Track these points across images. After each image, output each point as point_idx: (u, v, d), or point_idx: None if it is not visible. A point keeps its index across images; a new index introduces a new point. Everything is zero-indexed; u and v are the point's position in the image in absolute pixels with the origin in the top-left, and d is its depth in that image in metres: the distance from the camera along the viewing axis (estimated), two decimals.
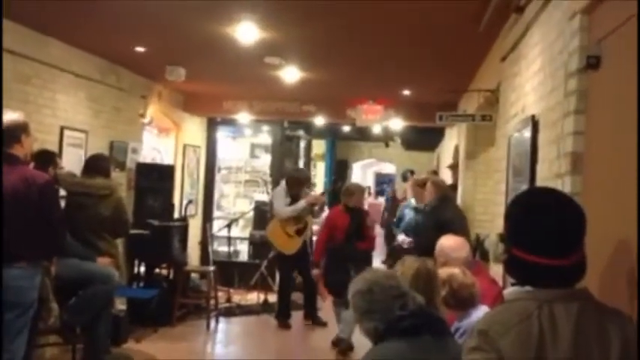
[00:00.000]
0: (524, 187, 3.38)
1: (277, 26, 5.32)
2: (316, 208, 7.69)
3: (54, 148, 5.93)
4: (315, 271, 6.89)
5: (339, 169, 17.56)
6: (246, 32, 5.35)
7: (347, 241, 6.55)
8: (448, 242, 4.02)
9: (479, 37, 4.94)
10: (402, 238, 7.37)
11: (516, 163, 3.81)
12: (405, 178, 18.21)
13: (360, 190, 7.05)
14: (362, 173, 23.33)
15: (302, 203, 7.33)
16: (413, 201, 7.61)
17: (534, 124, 3.31)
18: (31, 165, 4.35)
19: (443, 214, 6.27)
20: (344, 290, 6.13)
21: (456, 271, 3.32)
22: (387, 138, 15.08)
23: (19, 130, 3.90)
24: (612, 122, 2.28)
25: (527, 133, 3.45)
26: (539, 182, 3.15)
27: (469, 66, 6.48)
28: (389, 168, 21.61)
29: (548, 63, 3.14)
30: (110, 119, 7.45)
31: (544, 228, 1.65)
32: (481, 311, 3.05)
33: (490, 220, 6.11)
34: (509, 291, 1.76)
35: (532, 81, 3.57)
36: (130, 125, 8.00)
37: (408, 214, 7.52)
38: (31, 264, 3.88)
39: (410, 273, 2.85)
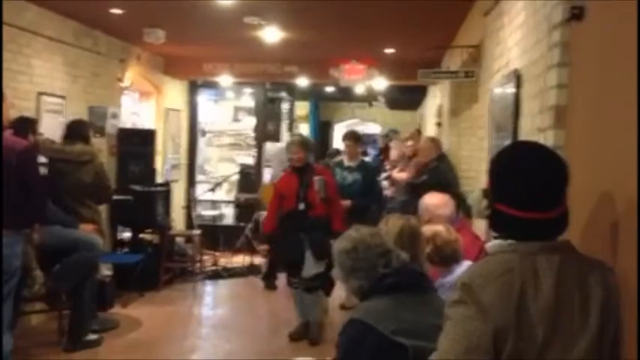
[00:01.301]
0: (507, 142, 3.38)
1: None
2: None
3: (32, 114, 5.81)
4: (262, 247, 6.09)
5: (322, 131, 17.47)
6: None
7: (296, 207, 5.54)
8: (432, 200, 4.04)
9: None
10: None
11: (499, 118, 3.79)
12: (389, 138, 18.24)
13: (295, 144, 5.73)
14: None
15: None
16: (345, 159, 6.52)
17: (517, 78, 3.28)
18: (10, 132, 4.26)
19: (445, 175, 6.31)
20: (297, 266, 5.50)
21: (439, 228, 3.34)
22: (370, 98, 14.98)
23: None
24: (596, 74, 2.25)
25: (510, 88, 3.42)
26: (522, 137, 3.15)
27: (452, 22, 6.40)
28: (373, 128, 21.56)
29: (532, 16, 3.10)
30: (88, 84, 7.31)
31: (527, 182, 1.64)
32: (464, 267, 3.08)
33: (474, 177, 6.13)
34: (492, 244, 1.77)
35: (515, 35, 3.53)
36: (109, 90, 7.86)
37: (339, 174, 6.38)
38: (13, 232, 3.83)
39: (394, 231, 2.85)
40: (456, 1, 5.44)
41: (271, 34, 7.14)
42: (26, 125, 4.97)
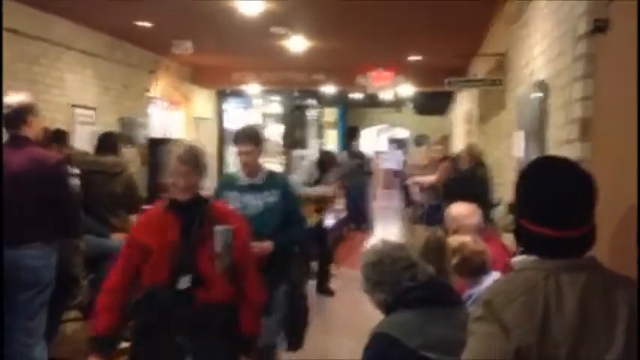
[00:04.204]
0: (536, 153, 3.36)
1: None
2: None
3: (65, 126, 5.96)
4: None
5: (350, 136, 17.51)
6: (251, 3, 5.30)
7: (172, 281, 2.72)
8: (459, 209, 4.02)
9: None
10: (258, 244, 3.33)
11: (527, 128, 3.77)
12: (418, 143, 18.18)
13: (179, 156, 2.77)
14: (376, 138, 23.28)
15: (318, 190, 7.33)
16: (241, 173, 3.76)
17: (543, 88, 3.26)
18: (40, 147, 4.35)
19: (477, 182, 6.21)
20: None
21: (466, 238, 3.32)
22: (398, 103, 14.98)
23: (25, 111, 3.90)
24: (621, 87, 2.24)
25: (536, 99, 3.40)
26: (550, 147, 3.12)
27: (478, 30, 6.38)
28: (402, 133, 21.53)
29: (557, 26, 3.08)
30: (119, 95, 7.46)
31: (553, 199, 1.62)
32: (492, 277, 3.06)
33: (502, 183, 6.07)
34: (518, 260, 1.76)
35: (541, 44, 3.51)
36: (139, 101, 8.01)
37: (236, 198, 3.62)
38: (45, 243, 3.92)
39: (420, 243, 2.85)
40: (481, 10, 5.42)
41: (298, 44, 7.20)
42: (59, 138, 5.11)
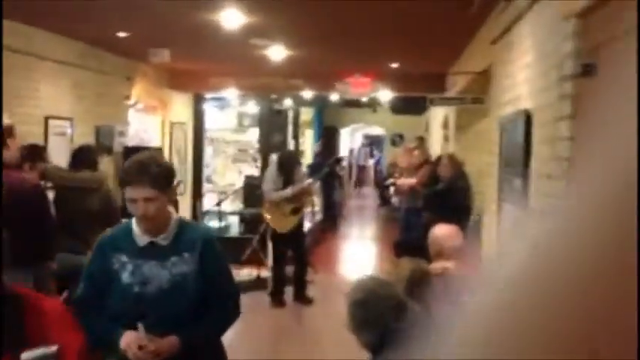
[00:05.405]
0: (517, 180, 3.37)
1: (261, 10, 5.21)
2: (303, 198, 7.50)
3: (39, 138, 5.83)
4: None
5: (328, 136, 17.47)
6: (230, 18, 5.25)
7: None
8: (441, 231, 4.01)
9: (468, 15, 4.85)
10: None
11: (509, 153, 3.78)
12: (394, 143, 18.22)
13: None
14: (350, 137, 23.27)
15: (288, 192, 7.24)
16: (136, 227, 2.42)
17: (527, 118, 3.26)
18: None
19: (459, 194, 6.17)
20: None
21: (448, 264, 3.33)
22: (374, 103, 14.99)
23: (5, 133, 3.83)
24: (605, 129, 2.24)
25: (520, 127, 3.41)
26: (533, 180, 3.13)
27: (457, 43, 6.38)
28: (377, 130, 21.58)
29: (541, 59, 3.08)
30: (95, 104, 7.32)
31: None
32: None
33: (479, 192, 6.12)
34: None
35: (525, 72, 3.51)
36: (116, 108, 7.87)
37: (124, 268, 2.39)
38: (20, 266, 3.84)
39: (404, 276, 2.85)
40: (462, 23, 5.42)
41: (277, 53, 7.15)
42: (35, 153, 4.98)
